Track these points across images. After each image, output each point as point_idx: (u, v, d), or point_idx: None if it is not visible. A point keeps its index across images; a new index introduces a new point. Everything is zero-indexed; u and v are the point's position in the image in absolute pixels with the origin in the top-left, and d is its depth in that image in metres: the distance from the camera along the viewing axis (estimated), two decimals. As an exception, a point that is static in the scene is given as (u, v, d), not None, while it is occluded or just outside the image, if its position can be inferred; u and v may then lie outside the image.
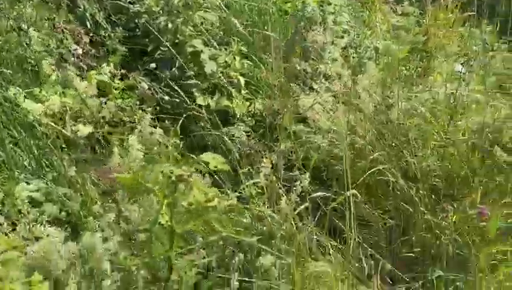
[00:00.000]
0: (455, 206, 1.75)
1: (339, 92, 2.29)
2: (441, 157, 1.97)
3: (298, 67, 2.60)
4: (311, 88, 2.49)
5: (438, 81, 2.53)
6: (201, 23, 2.33)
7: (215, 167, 0.90)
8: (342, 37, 2.80)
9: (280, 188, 1.71)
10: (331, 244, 1.68)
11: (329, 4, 2.83)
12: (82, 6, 2.48)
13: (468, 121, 2.04)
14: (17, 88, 1.49)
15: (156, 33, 2.17)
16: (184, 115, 2.00)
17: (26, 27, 1.92)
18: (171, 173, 0.86)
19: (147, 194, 0.91)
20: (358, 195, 1.64)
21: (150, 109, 1.83)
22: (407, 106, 2.19)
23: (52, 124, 1.48)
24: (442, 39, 2.84)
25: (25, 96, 1.49)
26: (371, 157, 1.96)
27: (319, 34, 2.71)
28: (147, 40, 2.51)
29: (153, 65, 2.16)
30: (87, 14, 2.45)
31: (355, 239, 1.58)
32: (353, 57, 2.78)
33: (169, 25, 2.27)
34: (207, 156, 0.89)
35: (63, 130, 1.46)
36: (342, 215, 1.75)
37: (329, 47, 2.65)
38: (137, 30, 2.67)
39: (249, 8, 2.83)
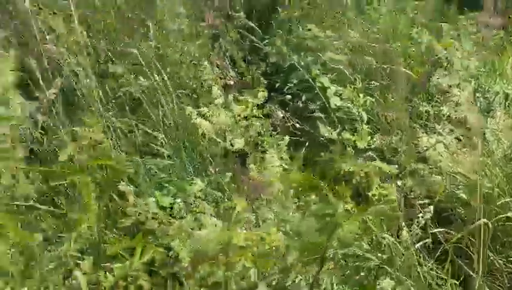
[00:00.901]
0: None
1: (464, 134, 2.26)
2: None
3: (421, 108, 2.62)
4: (433, 130, 2.48)
5: None
6: (330, 61, 2.53)
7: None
8: (469, 82, 2.76)
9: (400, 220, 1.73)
10: (451, 283, 1.64)
11: (457, 50, 2.82)
12: (223, 47, 3.00)
13: None
14: (191, 108, 1.87)
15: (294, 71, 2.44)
16: (307, 144, 2.15)
17: (197, 61, 2.42)
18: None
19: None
20: (490, 224, 1.59)
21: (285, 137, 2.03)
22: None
23: (216, 138, 1.81)
24: None
25: (197, 115, 1.86)
26: (500, 202, 1.89)
27: (444, 77, 2.71)
28: (280, 76, 2.82)
29: (289, 96, 2.42)
30: (228, 54, 2.96)
31: (479, 279, 1.53)
32: (480, 102, 2.71)
33: (302, 63, 2.52)
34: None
35: (224, 143, 1.77)
36: (463, 256, 1.71)
37: (454, 90, 2.63)
38: (267, 68, 3.07)
39: (372, 50, 2.96)
